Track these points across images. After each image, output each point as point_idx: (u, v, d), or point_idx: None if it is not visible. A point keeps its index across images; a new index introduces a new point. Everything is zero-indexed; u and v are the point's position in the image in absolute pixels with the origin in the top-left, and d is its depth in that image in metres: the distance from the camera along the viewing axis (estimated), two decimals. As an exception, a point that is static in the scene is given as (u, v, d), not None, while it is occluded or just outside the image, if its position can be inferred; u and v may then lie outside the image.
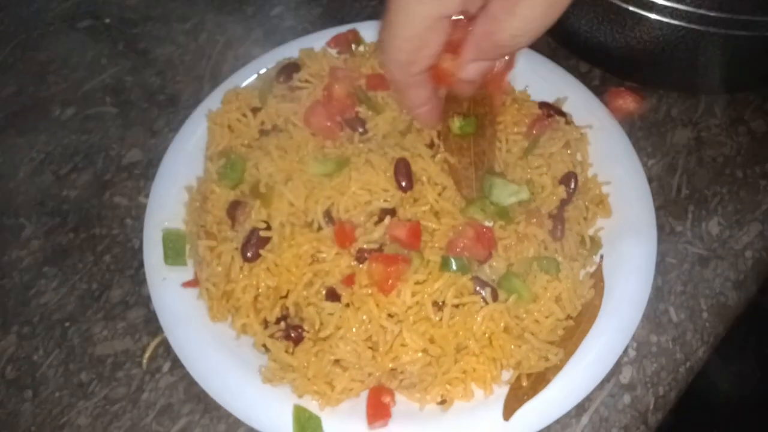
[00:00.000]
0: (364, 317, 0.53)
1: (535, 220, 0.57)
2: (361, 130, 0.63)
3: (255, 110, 0.65)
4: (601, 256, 0.60)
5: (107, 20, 0.86)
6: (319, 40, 0.72)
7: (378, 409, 0.52)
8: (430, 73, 0.51)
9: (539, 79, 0.68)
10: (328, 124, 0.62)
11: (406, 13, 0.42)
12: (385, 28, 0.45)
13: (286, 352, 0.54)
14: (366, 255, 0.55)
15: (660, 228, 0.62)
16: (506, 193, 0.57)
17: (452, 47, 0.49)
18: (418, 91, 0.51)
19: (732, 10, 0.58)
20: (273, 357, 0.55)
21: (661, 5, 0.60)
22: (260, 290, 0.56)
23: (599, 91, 0.72)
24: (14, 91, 0.81)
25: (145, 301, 0.63)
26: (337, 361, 0.53)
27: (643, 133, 0.71)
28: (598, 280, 0.58)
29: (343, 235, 0.56)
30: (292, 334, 0.54)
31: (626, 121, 0.69)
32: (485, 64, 0.51)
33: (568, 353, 0.54)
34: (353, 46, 0.71)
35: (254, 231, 0.56)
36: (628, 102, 0.71)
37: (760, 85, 0.74)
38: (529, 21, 0.43)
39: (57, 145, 0.76)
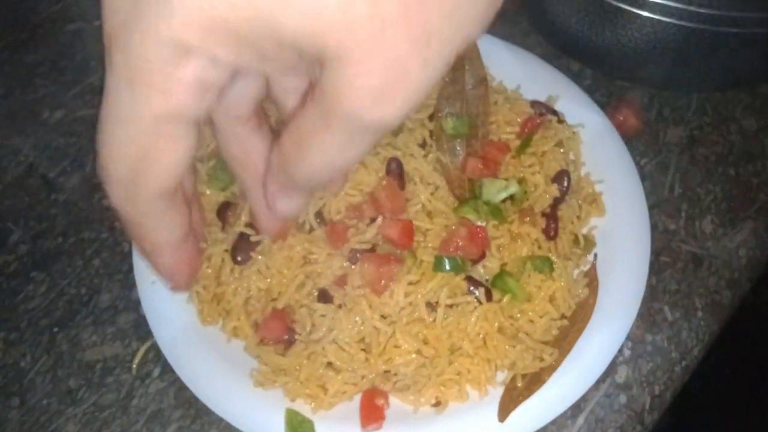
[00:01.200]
0: (357, 319, 0.53)
1: (528, 219, 0.57)
2: (352, 130, 0.62)
3: (245, 111, 0.64)
4: (595, 255, 0.59)
5: (96, 23, 0.85)
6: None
7: (371, 412, 0.52)
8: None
9: (531, 78, 0.68)
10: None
11: (118, 107, 0.27)
12: (99, 125, 0.28)
13: (277, 352, 0.53)
14: (358, 255, 0.54)
15: (653, 227, 0.62)
16: (495, 190, 0.56)
17: None
18: (156, 226, 0.31)
19: (723, 7, 0.58)
20: (264, 360, 0.54)
21: (652, 2, 0.60)
22: (251, 293, 0.55)
23: (591, 89, 0.72)
24: (2, 94, 0.79)
25: (135, 305, 0.62)
26: (329, 364, 0.53)
27: (635, 132, 0.71)
28: (592, 279, 0.58)
29: (336, 236, 0.55)
30: (285, 337, 0.54)
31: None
32: (301, 198, 0.34)
33: (563, 353, 0.54)
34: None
35: (243, 234, 0.55)
36: (629, 118, 0.70)
37: (751, 83, 0.74)
38: (322, 166, 0.29)
39: (45, 148, 0.75)
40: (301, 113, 0.28)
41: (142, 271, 0.59)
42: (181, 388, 0.56)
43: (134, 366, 0.60)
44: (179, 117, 0.27)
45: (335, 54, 0.24)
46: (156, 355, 0.60)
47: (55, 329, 0.62)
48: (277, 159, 0.31)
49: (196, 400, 0.54)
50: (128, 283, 0.63)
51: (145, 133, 0.27)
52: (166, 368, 0.58)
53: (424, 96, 0.26)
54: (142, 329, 0.61)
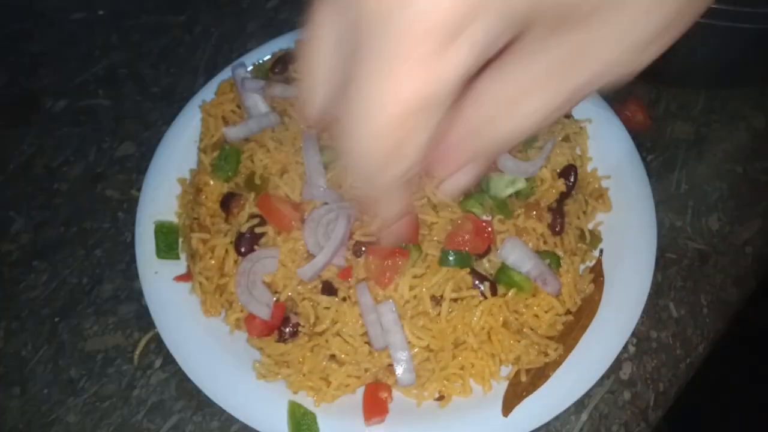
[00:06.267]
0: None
1: (534, 213, 0.56)
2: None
3: (250, 102, 0.64)
4: (601, 251, 0.59)
5: (101, 12, 0.85)
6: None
7: (374, 406, 0.51)
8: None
9: (538, 72, 0.67)
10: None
11: (380, 94, 0.25)
12: (350, 120, 0.26)
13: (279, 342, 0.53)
14: (363, 248, 0.54)
15: (660, 223, 0.61)
16: (502, 185, 0.56)
17: None
18: (397, 199, 0.31)
19: (734, 2, 0.58)
20: (267, 352, 0.54)
21: (662, -3, 0.59)
22: (255, 284, 0.55)
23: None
24: (5, 83, 0.79)
25: (137, 295, 0.62)
26: (332, 357, 0.52)
27: (642, 128, 0.70)
28: (597, 274, 0.57)
29: (340, 229, 0.54)
30: (288, 329, 0.53)
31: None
32: (474, 170, 0.33)
33: (568, 349, 0.54)
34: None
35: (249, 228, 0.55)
36: (636, 114, 0.69)
37: (760, 80, 0.73)
38: (533, 120, 0.28)
39: (48, 138, 0.74)
40: (512, 69, 0.27)
41: (145, 261, 0.59)
42: (183, 380, 0.56)
43: (135, 356, 0.60)
44: (444, 97, 0.25)
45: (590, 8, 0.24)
46: (157, 346, 0.59)
47: (57, 319, 0.62)
48: (466, 126, 0.29)
49: (198, 391, 0.54)
50: (130, 273, 0.63)
51: (405, 121, 0.25)
52: (168, 359, 0.58)
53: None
54: (143, 320, 0.60)
